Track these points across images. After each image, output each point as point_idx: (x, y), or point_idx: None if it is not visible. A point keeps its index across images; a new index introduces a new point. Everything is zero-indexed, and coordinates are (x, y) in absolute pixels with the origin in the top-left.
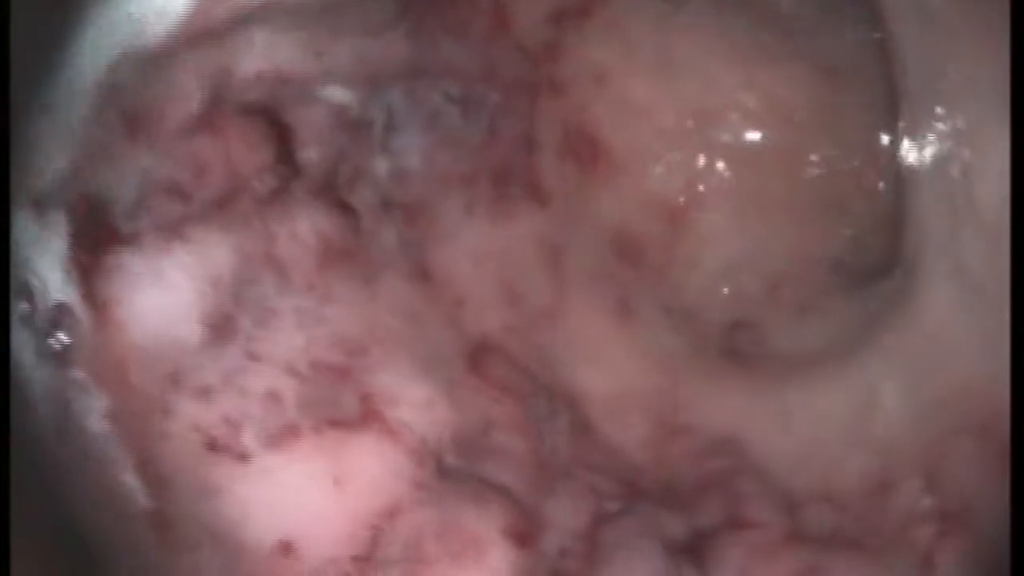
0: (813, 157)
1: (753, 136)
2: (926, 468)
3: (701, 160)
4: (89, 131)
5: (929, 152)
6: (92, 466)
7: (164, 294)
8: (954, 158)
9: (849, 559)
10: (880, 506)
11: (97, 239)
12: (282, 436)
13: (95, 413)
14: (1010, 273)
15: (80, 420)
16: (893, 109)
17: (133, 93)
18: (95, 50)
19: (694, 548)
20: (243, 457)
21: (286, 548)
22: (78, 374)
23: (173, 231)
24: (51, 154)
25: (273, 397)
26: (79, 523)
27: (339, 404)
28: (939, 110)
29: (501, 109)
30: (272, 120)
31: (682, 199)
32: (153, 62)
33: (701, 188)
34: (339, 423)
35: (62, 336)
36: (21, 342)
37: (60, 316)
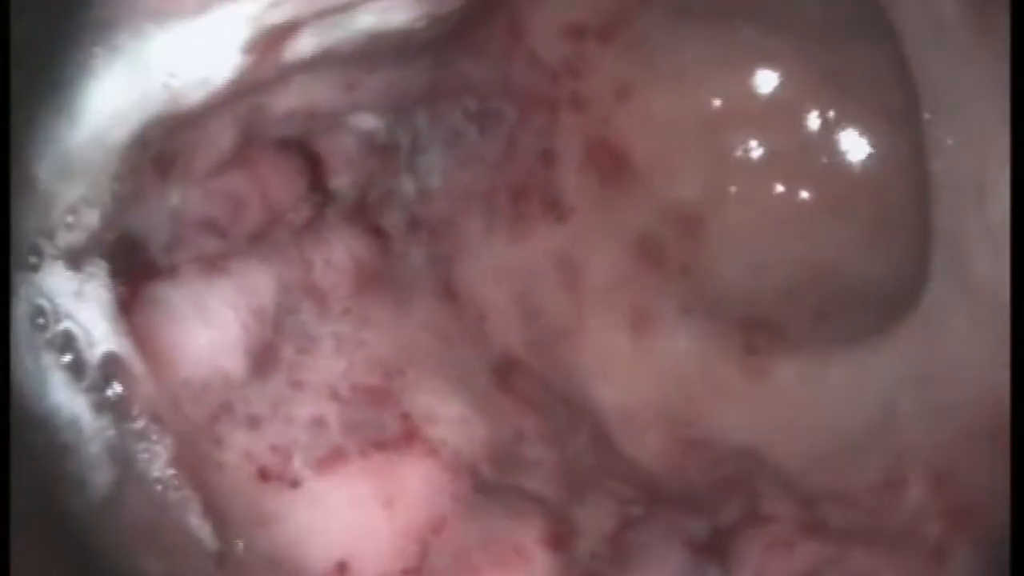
0: (825, 162)
1: (768, 142)
2: (935, 469)
3: (719, 167)
4: (121, 183)
5: (943, 162)
6: (160, 515)
7: (208, 327)
8: (967, 169)
9: (864, 551)
10: (890, 503)
11: (136, 275)
12: (330, 461)
13: (159, 459)
14: (1010, 277)
15: (144, 469)
16: (907, 117)
17: (164, 142)
18: (126, 112)
19: (716, 545)
20: (294, 483)
21: (342, 568)
22: (137, 423)
23: (213, 264)
24: (80, 210)
25: (318, 423)
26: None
27: (381, 425)
28: (951, 120)
29: (518, 124)
30: (304, 151)
31: (701, 205)
32: (189, 120)
33: (719, 194)
34: (383, 444)
35: (116, 386)
36: (75, 402)
37: (110, 366)
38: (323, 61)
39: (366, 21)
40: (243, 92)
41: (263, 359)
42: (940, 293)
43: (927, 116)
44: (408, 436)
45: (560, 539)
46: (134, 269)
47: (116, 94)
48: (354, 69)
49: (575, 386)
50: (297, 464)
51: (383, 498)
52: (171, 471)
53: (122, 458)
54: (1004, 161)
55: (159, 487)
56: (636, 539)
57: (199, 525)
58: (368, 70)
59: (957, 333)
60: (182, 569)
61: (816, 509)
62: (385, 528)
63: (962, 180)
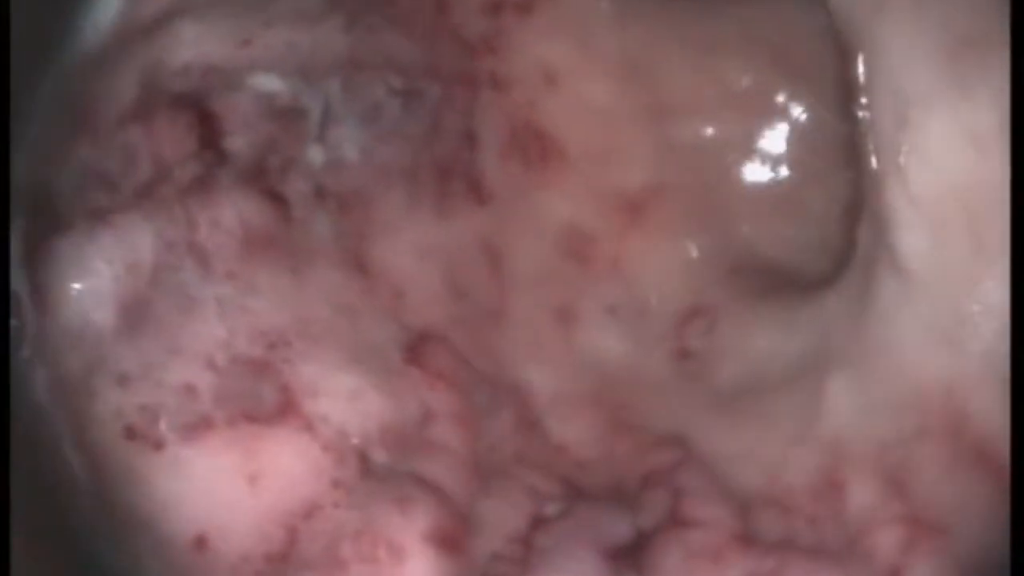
0: (767, 147)
1: (708, 127)
2: (883, 471)
3: (656, 154)
4: (44, 137)
5: (878, 139)
6: (43, 443)
7: (82, 278)
8: (889, 141)
9: (806, 566)
10: (833, 509)
11: (42, 226)
12: (196, 428)
13: (41, 390)
14: (1010, 279)
15: (32, 398)
16: (846, 95)
17: (79, 96)
18: (44, 63)
19: (635, 550)
20: (158, 446)
21: (200, 542)
22: (25, 353)
23: (98, 217)
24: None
25: (189, 389)
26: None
27: (256, 397)
28: (884, 96)
29: (442, 103)
30: (198, 108)
31: (637, 194)
32: (95, 67)
33: (656, 182)
34: (254, 417)
35: (13, 321)
36: None
37: (12, 304)
38: (206, 6)
39: None
40: (133, 37)
41: (137, 316)
42: (870, 276)
43: (861, 88)
44: (283, 410)
45: (452, 537)
46: (42, 220)
47: (27, 46)
48: (246, 21)
49: (501, 366)
50: (162, 427)
51: (248, 473)
52: (48, 401)
53: (17, 384)
54: (930, 130)
55: (41, 415)
56: (547, 541)
57: (73, 459)
58: (263, 24)
59: (887, 318)
60: (64, 507)
61: (749, 515)
62: (247, 505)
63: (893, 153)
